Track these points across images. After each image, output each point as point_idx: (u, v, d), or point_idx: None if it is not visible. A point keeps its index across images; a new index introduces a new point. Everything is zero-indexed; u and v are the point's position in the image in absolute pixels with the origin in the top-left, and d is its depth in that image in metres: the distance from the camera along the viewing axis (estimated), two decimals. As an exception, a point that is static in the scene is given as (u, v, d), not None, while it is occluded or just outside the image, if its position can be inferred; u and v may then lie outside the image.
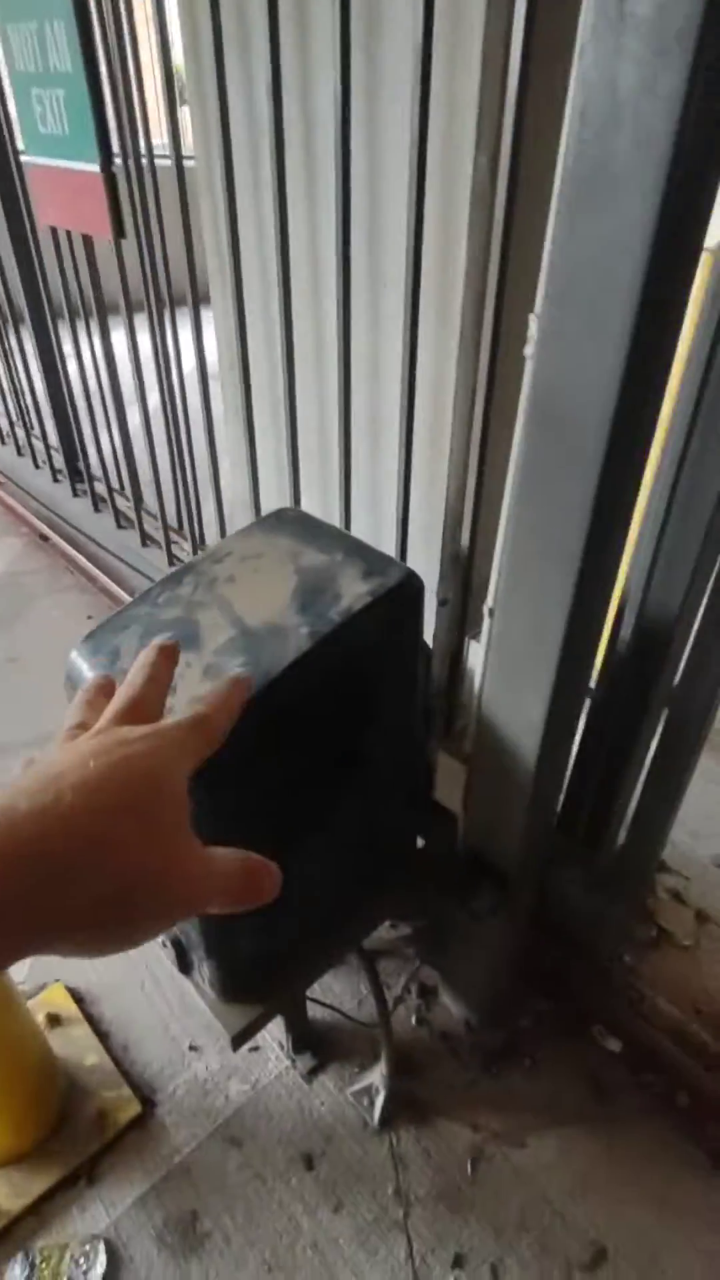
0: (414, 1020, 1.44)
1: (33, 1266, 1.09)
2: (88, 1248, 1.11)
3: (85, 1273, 1.09)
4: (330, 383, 1.40)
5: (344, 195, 1.08)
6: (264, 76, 1.11)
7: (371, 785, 1.19)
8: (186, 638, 1.08)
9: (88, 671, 1.09)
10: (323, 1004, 1.39)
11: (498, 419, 1.13)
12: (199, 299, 1.64)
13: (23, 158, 1.90)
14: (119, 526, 2.45)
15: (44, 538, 2.96)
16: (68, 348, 2.35)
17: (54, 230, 1.98)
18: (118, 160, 1.59)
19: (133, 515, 2.32)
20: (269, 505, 1.81)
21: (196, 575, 1.19)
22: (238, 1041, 1.19)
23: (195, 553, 2.10)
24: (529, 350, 0.77)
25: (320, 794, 1.10)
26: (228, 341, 1.58)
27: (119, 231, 1.66)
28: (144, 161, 1.58)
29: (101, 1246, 1.12)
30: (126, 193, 1.64)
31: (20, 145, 1.89)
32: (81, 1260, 1.10)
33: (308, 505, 1.64)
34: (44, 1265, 1.09)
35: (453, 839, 1.32)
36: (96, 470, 2.51)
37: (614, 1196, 1.21)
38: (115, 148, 1.58)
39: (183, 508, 2.04)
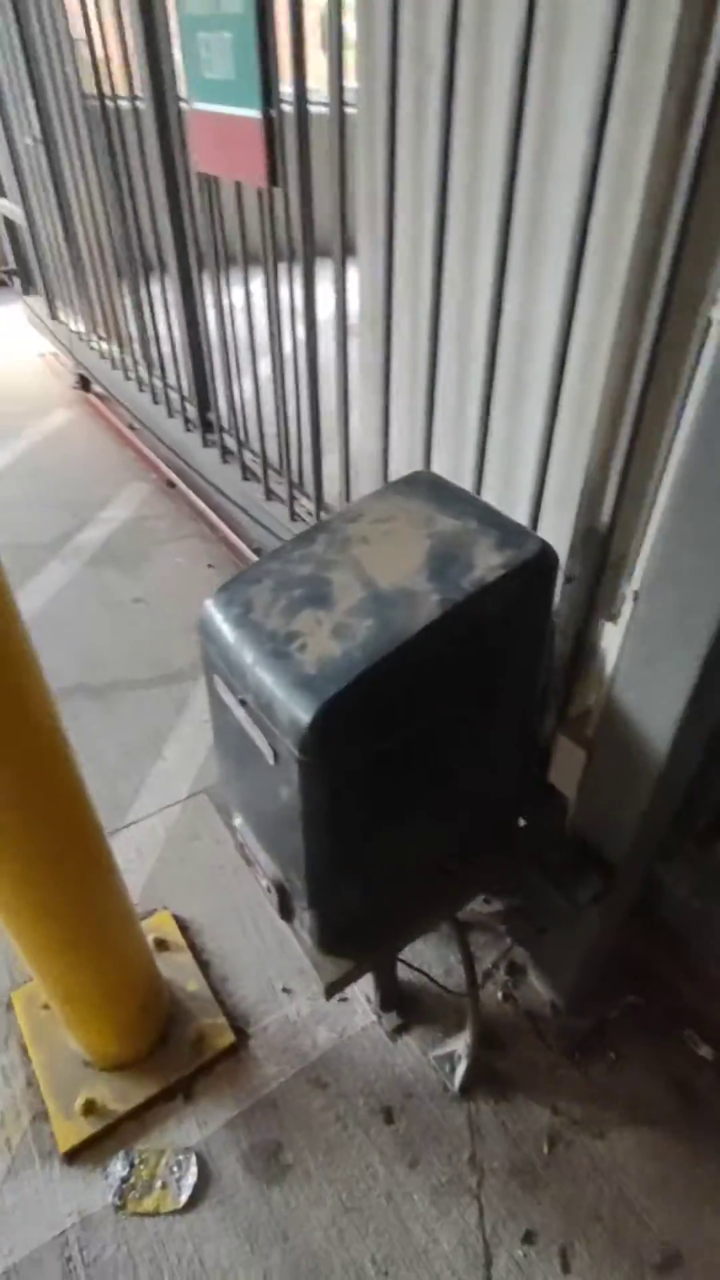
0: (500, 996, 1.44)
1: (132, 1165, 1.18)
2: (181, 1157, 1.19)
3: (179, 1180, 1.17)
4: (474, 341, 1.35)
5: (513, 146, 1.03)
6: (441, 10, 1.06)
7: (485, 757, 1.18)
8: (317, 596, 1.09)
9: (221, 621, 1.13)
10: (413, 967, 1.41)
11: (656, 389, 1.05)
12: (346, 251, 1.61)
13: (183, 105, 1.91)
14: (244, 479, 2.49)
15: (171, 484, 3.06)
16: (207, 298, 2.39)
17: (206, 179, 1.99)
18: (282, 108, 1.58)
19: (258, 469, 2.36)
20: (396, 464, 1.79)
21: (330, 534, 1.19)
22: (330, 990, 1.22)
23: (318, 509, 2.11)
24: (716, 314, 0.71)
25: (435, 760, 1.10)
26: (372, 294, 1.55)
27: (273, 180, 1.65)
28: (305, 108, 1.56)
29: (194, 1159, 1.19)
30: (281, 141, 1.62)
31: (182, 92, 1.91)
32: (175, 1168, 1.18)
33: (438, 466, 1.61)
34: (142, 1166, 1.18)
35: (561, 822, 1.29)
36: (226, 422, 2.56)
37: (694, 1202, 1.19)
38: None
39: (309, 463, 2.06)
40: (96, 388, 3.62)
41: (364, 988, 1.43)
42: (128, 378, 3.19)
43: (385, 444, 1.70)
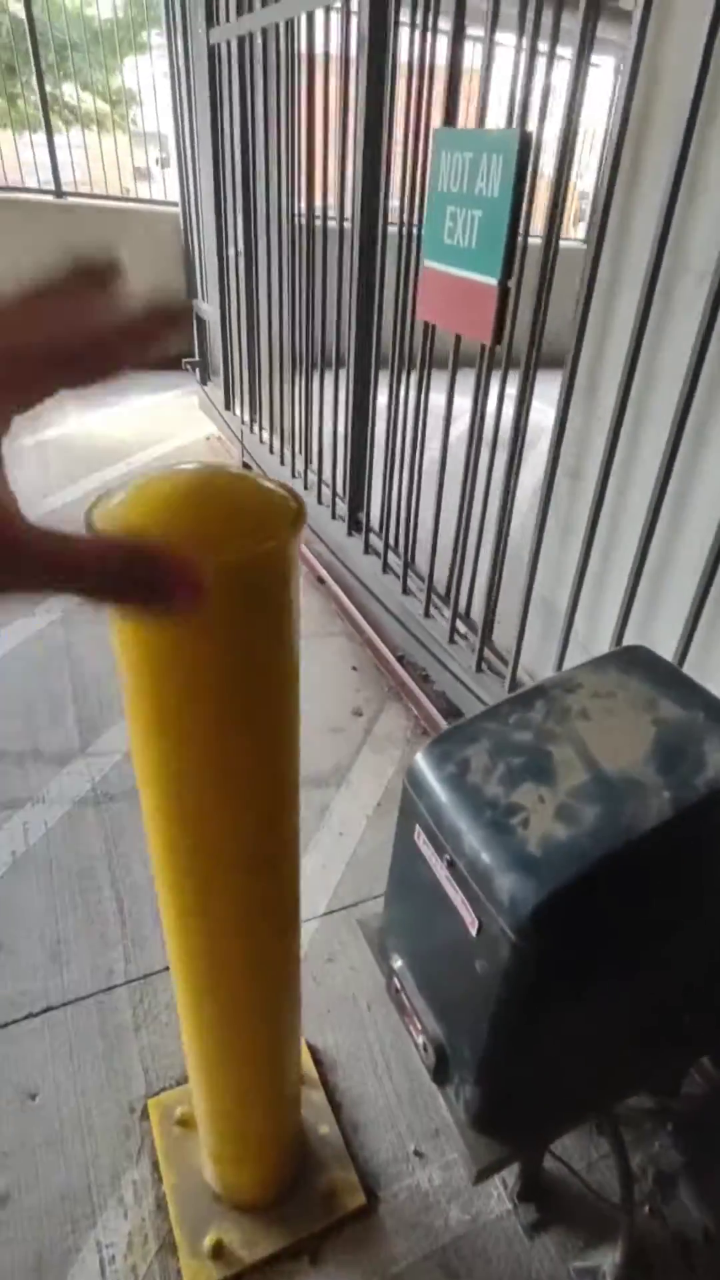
0: (646, 1209, 1.33)
1: (256, 1328, 1.13)
2: (305, 1330, 1.13)
3: None
4: (696, 507, 1.38)
5: None
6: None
7: (693, 963, 1.12)
8: (538, 769, 1.10)
9: (434, 778, 1.14)
10: (560, 1159, 1.32)
11: None
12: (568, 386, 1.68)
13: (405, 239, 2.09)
14: (404, 592, 2.56)
15: (320, 580, 3.17)
16: (380, 399, 2.53)
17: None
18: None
19: (420, 586, 2.42)
20: (586, 624, 1.80)
21: (547, 701, 1.20)
22: (480, 1176, 1.16)
23: (481, 646, 2.13)
24: None
25: (648, 958, 1.06)
26: (578, 445, 1.61)
27: (498, 339, 1.75)
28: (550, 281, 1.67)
29: (318, 1335, 1.13)
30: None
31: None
32: (299, 1341, 1.12)
33: (635, 633, 1.61)
34: (265, 1331, 1.12)
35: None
36: (377, 524, 2.66)
37: None
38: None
39: (468, 585, 2.10)
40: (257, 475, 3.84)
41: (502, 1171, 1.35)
42: (294, 475, 3.38)
43: (574, 601, 1.71)
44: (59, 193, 5.28)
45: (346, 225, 2.53)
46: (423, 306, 2.02)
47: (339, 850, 1.94)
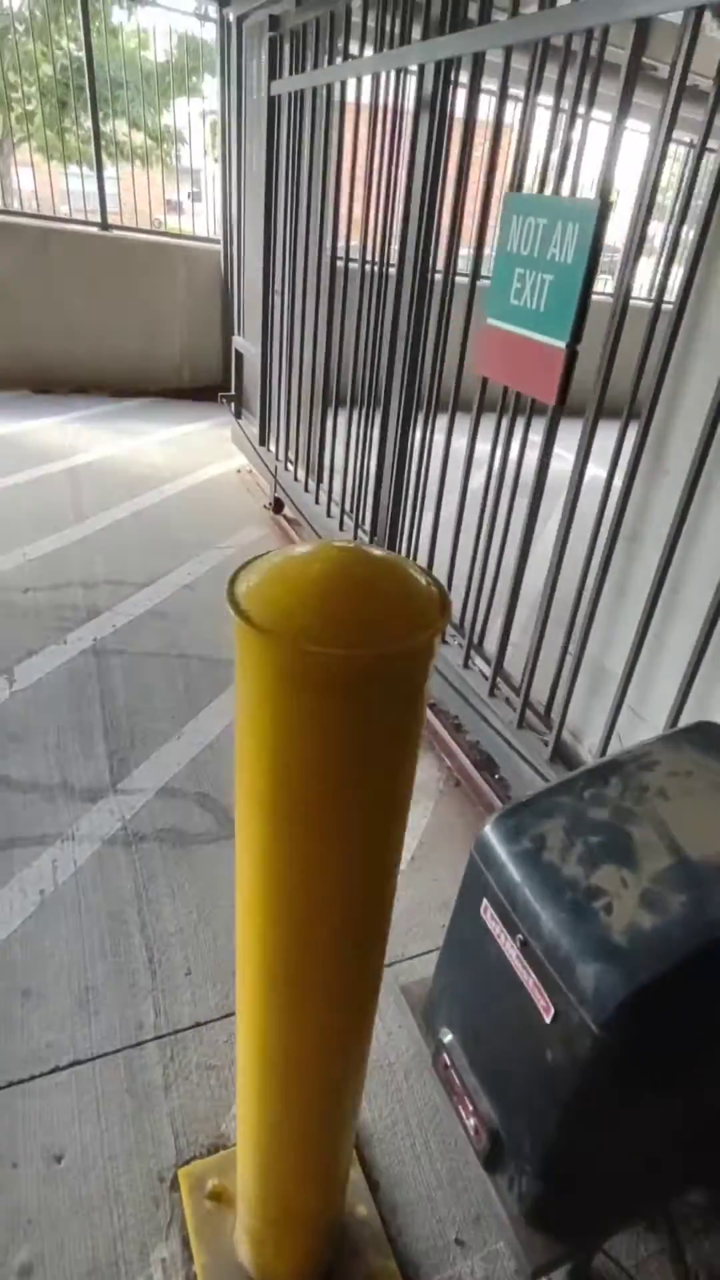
0: (699, 1315, 1.26)
1: None
2: None
3: None
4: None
5: None
6: None
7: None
8: (619, 849, 1.06)
9: (507, 853, 1.11)
10: (609, 1256, 1.26)
11: None
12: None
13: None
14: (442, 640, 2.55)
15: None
16: (416, 437, 2.55)
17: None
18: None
19: (458, 640, 2.40)
20: (642, 692, 1.78)
21: (623, 778, 1.17)
22: (536, 1275, 1.10)
23: (524, 704, 2.10)
24: None
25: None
26: (641, 508, 1.61)
27: (561, 400, 1.75)
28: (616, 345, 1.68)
29: None
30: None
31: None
32: None
33: (697, 706, 1.58)
34: None
35: None
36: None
37: None
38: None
39: (505, 641, 2.08)
40: (288, 511, 3.86)
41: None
42: (329, 516, 3.39)
43: (631, 666, 1.69)
44: (104, 225, 5.39)
45: (391, 270, 2.58)
46: (481, 361, 2.03)
47: (372, 905, 1.89)
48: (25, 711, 2.36)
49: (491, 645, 2.26)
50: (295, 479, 3.75)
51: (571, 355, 1.71)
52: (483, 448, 2.13)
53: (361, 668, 0.55)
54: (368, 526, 3.05)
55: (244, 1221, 1.15)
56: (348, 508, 3.26)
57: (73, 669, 2.60)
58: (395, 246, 2.55)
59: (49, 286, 5.28)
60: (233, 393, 4.86)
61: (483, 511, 2.17)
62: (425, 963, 1.74)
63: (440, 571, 2.51)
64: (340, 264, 3.09)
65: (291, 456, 3.84)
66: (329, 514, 3.38)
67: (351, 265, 2.96)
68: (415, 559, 2.66)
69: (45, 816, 2.00)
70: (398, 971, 1.73)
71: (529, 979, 1.03)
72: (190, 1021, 1.56)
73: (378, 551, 0.64)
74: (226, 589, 0.59)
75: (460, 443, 2.27)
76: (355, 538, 3.13)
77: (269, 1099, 0.97)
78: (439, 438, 2.39)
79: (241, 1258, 1.20)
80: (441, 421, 2.37)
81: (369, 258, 2.79)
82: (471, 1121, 1.19)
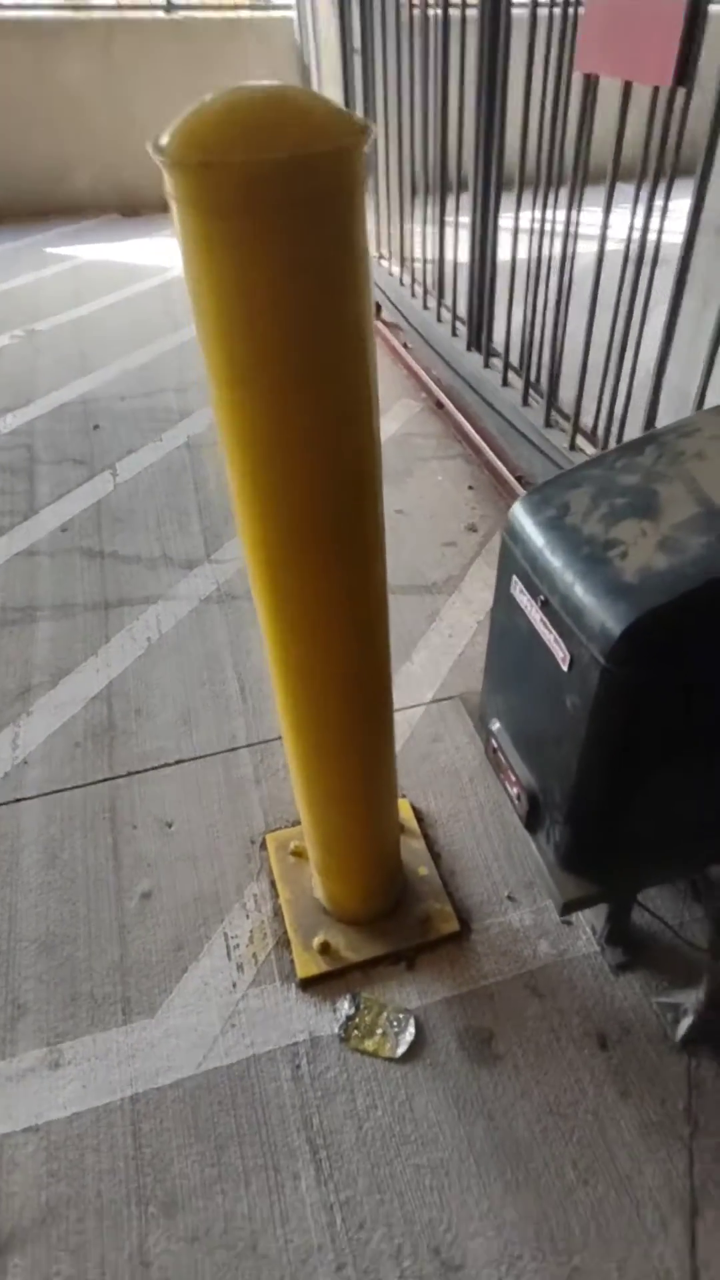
0: (736, 965, 1.36)
1: (358, 1008, 1.29)
2: (401, 1015, 1.28)
3: (397, 1034, 1.26)
4: None
5: None
6: None
7: None
8: (643, 506, 1.05)
9: (532, 524, 1.12)
10: (650, 911, 1.37)
11: None
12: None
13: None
14: (524, 404, 2.43)
15: (439, 405, 3.06)
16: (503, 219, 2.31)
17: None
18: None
19: (542, 396, 2.28)
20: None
21: (660, 446, 1.13)
22: (567, 909, 1.22)
23: (604, 444, 2.01)
24: None
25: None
26: None
27: (680, 78, 1.44)
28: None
29: (412, 1020, 1.28)
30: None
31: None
32: (395, 1023, 1.27)
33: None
34: (366, 1011, 1.29)
35: None
36: (500, 345, 2.50)
37: None
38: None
39: (606, 394, 1.95)
40: (386, 315, 3.66)
41: (590, 917, 1.42)
42: (413, 295, 3.20)
43: (708, 370, 1.56)
44: (169, 7, 4.97)
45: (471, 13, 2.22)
46: (585, 51, 1.71)
47: (447, 649, 1.99)
48: (128, 500, 2.55)
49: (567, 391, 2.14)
50: (390, 274, 3.53)
51: (695, 11, 1.41)
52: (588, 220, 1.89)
53: (269, 175, 0.56)
54: (452, 308, 2.86)
55: (313, 858, 1.35)
56: (441, 298, 3.05)
57: (169, 462, 2.74)
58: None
59: (118, 92, 5.02)
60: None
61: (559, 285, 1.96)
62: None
63: (529, 341, 2.35)
64: (420, 11, 2.67)
65: (384, 251, 3.59)
66: (424, 306, 3.19)
67: (436, 12, 2.55)
68: (507, 334, 2.49)
69: (150, 581, 2.21)
70: (462, 694, 1.83)
71: (549, 635, 1.07)
72: (276, 735, 1.76)
73: (299, 88, 0.62)
74: (151, 143, 0.61)
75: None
76: (439, 319, 2.96)
77: (316, 745, 1.11)
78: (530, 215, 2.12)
79: (318, 895, 1.42)
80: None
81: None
82: (514, 790, 1.29)
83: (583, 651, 0.99)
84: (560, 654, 1.05)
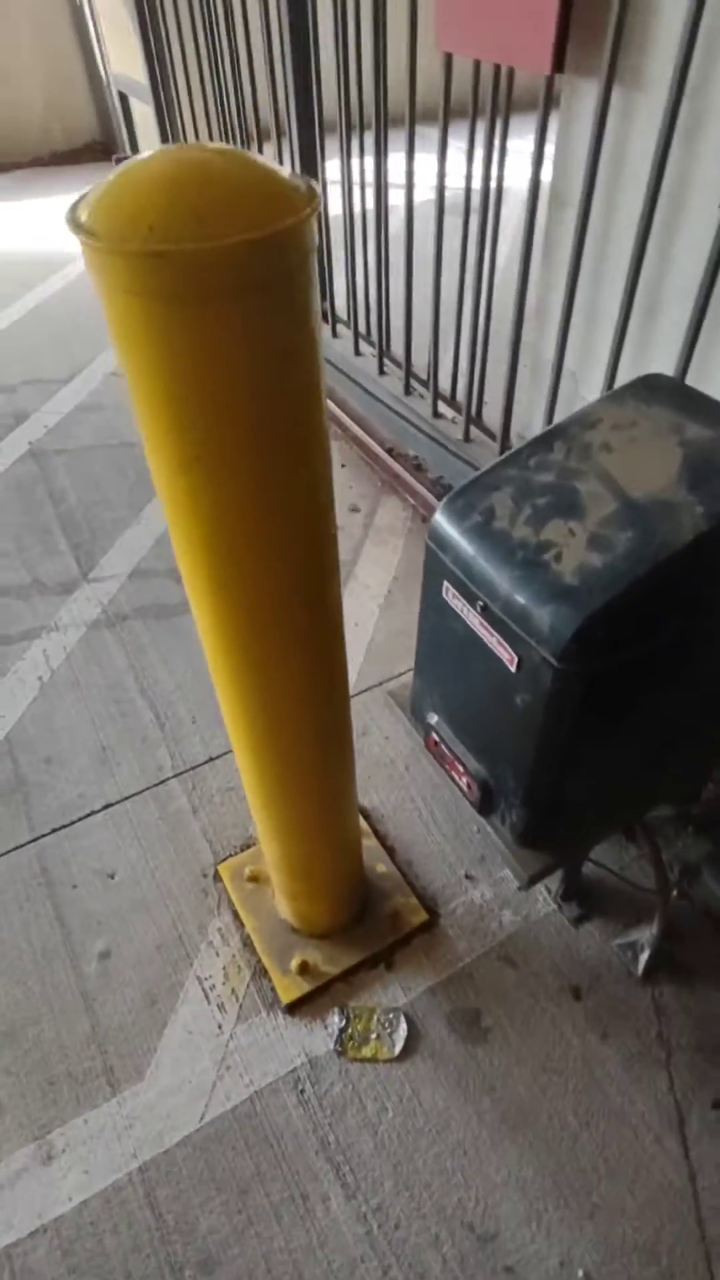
0: (675, 893, 1.51)
1: (348, 1019, 1.31)
2: (391, 1015, 1.32)
3: (390, 1034, 1.30)
4: (695, 229, 1.27)
5: None
6: None
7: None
8: (566, 505, 1.08)
9: (458, 531, 1.13)
10: (597, 863, 1.48)
11: None
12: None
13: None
14: (380, 373, 2.43)
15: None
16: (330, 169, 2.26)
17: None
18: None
19: (399, 369, 2.29)
20: (576, 376, 1.72)
21: (567, 441, 1.17)
22: (530, 883, 1.29)
23: (469, 408, 2.05)
24: None
25: (678, 666, 1.11)
26: (565, 170, 1.45)
27: (559, 64, 1.39)
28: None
29: (402, 1017, 1.32)
30: None
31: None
32: (387, 1024, 1.31)
33: (628, 365, 1.54)
34: (357, 1020, 1.31)
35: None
36: (344, 312, 2.47)
37: None
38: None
39: (457, 364, 1.98)
40: None
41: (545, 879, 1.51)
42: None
43: (563, 339, 1.62)
44: None
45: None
46: (444, 30, 1.64)
47: (356, 640, 1.99)
48: (-22, 523, 2.32)
49: (444, 380, 2.16)
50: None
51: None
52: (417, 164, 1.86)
53: (218, 262, 0.51)
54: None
55: (278, 884, 1.33)
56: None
57: (15, 476, 2.50)
58: None
59: None
60: (127, 153, 4.20)
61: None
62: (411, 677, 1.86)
63: (376, 304, 2.33)
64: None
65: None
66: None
67: None
68: (351, 298, 2.46)
69: (25, 614, 2.03)
70: (388, 689, 1.86)
71: (492, 639, 1.10)
72: (204, 758, 1.70)
73: (231, 150, 0.57)
74: (67, 213, 0.53)
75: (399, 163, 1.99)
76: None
77: (264, 773, 1.08)
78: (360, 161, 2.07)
79: (284, 915, 1.41)
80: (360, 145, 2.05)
81: None
82: (464, 780, 1.34)
83: (532, 654, 1.03)
84: (506, 656, 1.08)
